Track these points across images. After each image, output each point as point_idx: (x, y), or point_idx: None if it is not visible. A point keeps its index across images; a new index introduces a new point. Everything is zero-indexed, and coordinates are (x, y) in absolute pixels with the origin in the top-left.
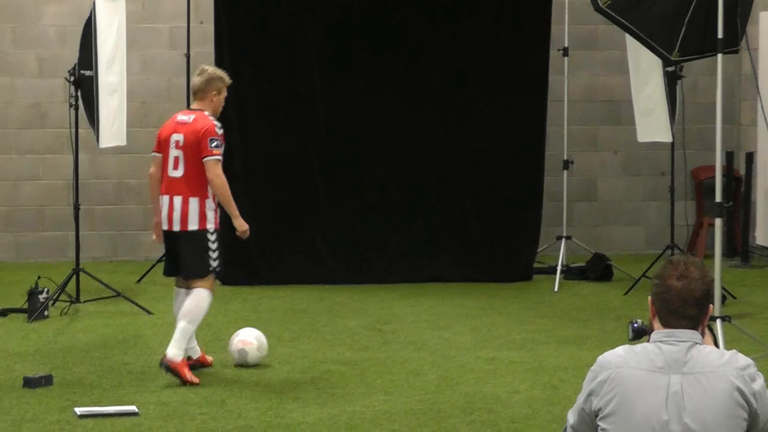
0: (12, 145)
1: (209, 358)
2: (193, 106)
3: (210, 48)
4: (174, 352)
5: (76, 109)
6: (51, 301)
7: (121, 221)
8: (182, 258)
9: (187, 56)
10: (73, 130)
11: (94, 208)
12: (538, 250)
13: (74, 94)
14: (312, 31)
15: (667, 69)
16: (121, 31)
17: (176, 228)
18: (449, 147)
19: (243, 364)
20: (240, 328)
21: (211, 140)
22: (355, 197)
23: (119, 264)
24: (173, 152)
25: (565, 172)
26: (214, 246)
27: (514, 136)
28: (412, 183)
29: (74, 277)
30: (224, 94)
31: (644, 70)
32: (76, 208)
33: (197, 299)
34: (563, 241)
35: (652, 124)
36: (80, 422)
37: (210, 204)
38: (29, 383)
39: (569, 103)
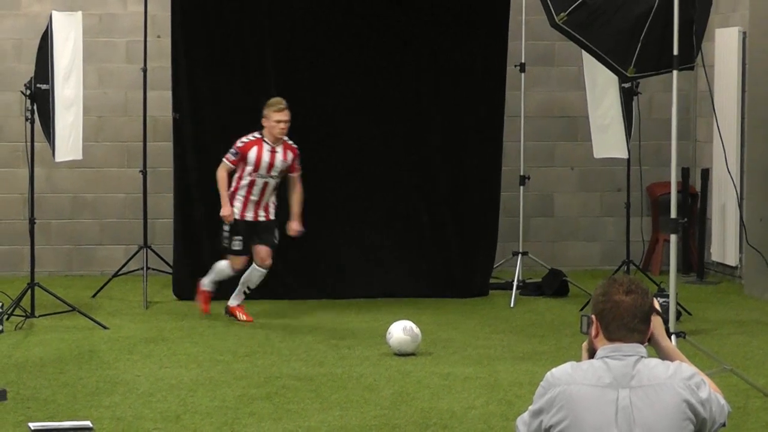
0: None
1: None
2: None
3: (167, 62)
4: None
5: (32, 122)
6: (5, 316)
7: (76, 235)
8: None
9: (144, 70)
10: (29, 143)
11: (49, 222)
12: (495, 266)
13: (30, 107)
14: (269, 48)
15: (623, 85)
16: (78, 44)
17: None
18: (406, 162)
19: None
20: (195, 342)
21: (231, 149)
22: (311, 212)
23: (75, 278)
24: None
25: (522, 187)
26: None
27: (471, 152)
28: (369, 198)
29: (29, 291)
30: (274, 117)
31: (600, 86)
32: (32, 222)
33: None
34: (519, 256)
35: (608, 140)
36: None
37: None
38: None
39: (526, 118)
